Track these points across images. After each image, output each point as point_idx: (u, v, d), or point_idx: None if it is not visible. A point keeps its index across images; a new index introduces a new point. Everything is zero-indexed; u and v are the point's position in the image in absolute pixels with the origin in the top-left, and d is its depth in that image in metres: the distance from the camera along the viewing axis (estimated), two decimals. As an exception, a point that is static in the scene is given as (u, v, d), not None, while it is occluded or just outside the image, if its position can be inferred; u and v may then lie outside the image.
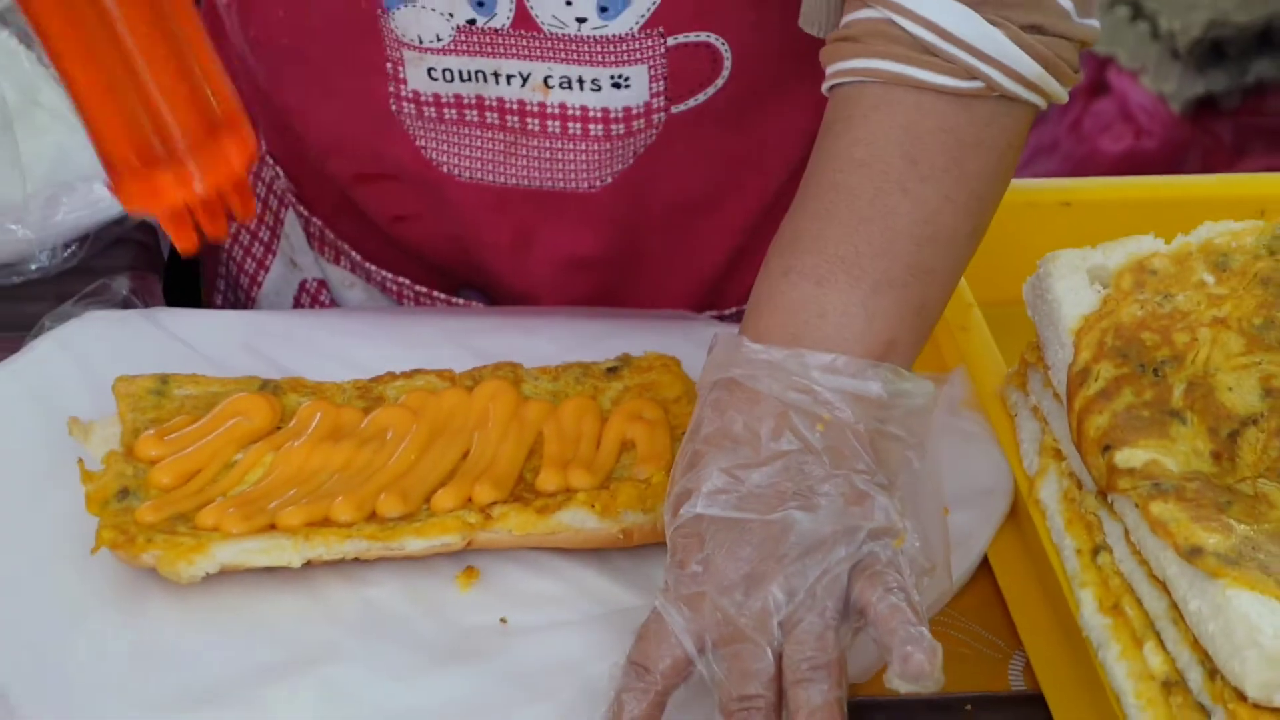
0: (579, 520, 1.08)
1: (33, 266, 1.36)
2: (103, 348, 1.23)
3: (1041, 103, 1.13)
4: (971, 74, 1.09)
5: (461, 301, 1.48)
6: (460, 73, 1.34)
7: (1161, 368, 1.03)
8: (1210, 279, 1.06)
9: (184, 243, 1.06)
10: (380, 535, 1.07)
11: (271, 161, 1.54)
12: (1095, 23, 1.17)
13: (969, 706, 1.04)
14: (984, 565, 1.14)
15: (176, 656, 1.03)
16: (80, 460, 1.10)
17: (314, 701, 1.01)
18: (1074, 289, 1.07)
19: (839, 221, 1.09)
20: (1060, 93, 1.14)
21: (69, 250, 1.37)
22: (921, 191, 1.09)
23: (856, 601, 0.98)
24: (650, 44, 1.30)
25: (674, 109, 1.34)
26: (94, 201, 1.38)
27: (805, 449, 1.02)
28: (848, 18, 1.15)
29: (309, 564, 1.07)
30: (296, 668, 1.02)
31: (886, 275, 1.07)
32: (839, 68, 1.12)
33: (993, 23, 1.08)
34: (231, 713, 1.01)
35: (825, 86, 1.15)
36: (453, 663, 1.03)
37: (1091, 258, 1.09)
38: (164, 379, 1.16)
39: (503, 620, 1.05)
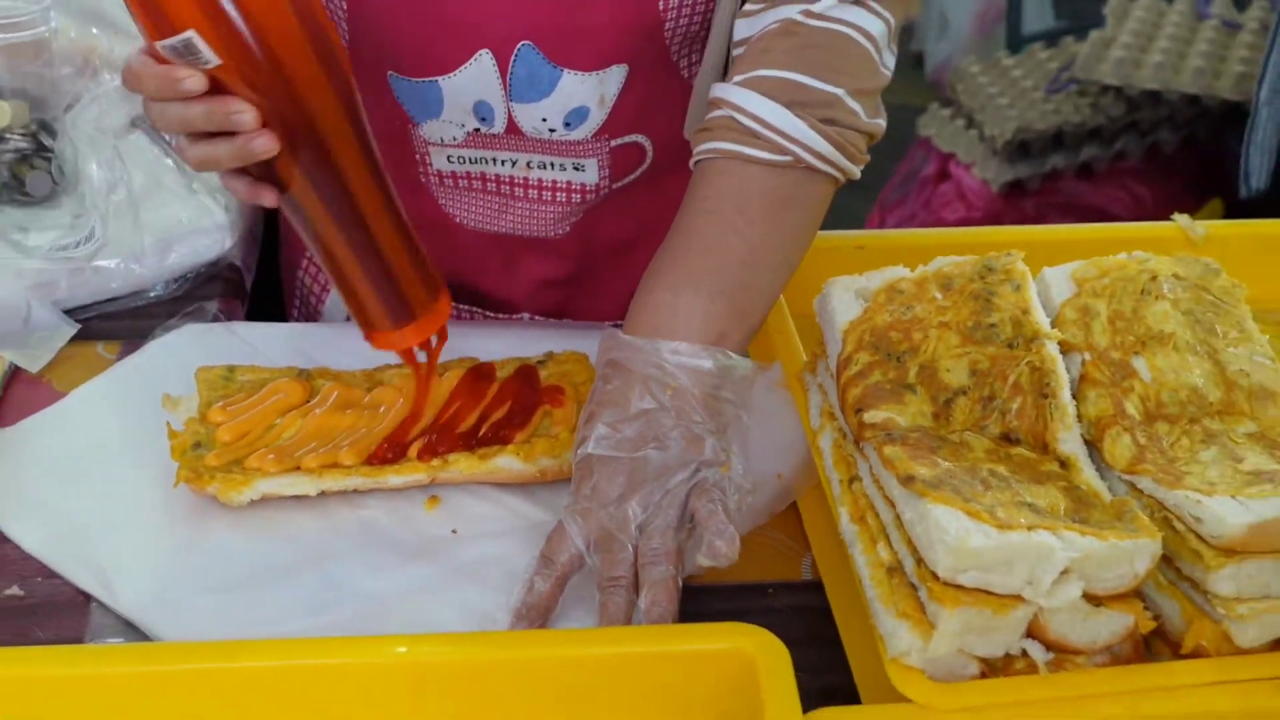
0: (509, 464, 1.08)
1: (151, 294, 1.33)
2: (193, 349, 1.22)
3: (837, 174, 1.12)
4: (784, 151, 1.08)
5: (458, 310, 1.42)
6: (469, 158, 1.31)
7: (902, 356, 0.99)
8: (939, 295, 1.02)
9: (414, 367, 1.09)
10: (372, 474, 1.07)
11: None
12: (881, 122, 1.16)
13: (770, 590, 1.03)
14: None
15: (228, 554, 1.03)
16: (168, 423, 1.09)
17: (319, 585, 1.01)
18: (845, 302, 1.03)
19: (690, 252, 1.08)
20: (852, 169, 1.13)
21: (176, 283, 1.34)
22: (747, 232, 1.08)
23: (690, 510, 0.98)
24: (598, 145, 1.28)
25: (614, 185, 1.32)
26: (196, 250, 1.35)
27: (660, 407, 1.02)
28: (706, 117, 1.13)
29: (322, 494, 1.07)
30: (310, 563, 1.02)
31: (720, 289, 1.06)
32: (699, 149, 1.12)
33: (799, 116, 1.08)
34: (264, 591, 1.00)
35: (691, 163, 1.14)
36: (419, 559, 1.03)
37: (859, 281, 1.05)
38: (230, 368, 1.15)
39: (454, 531, 1.05)
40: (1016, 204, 2.72)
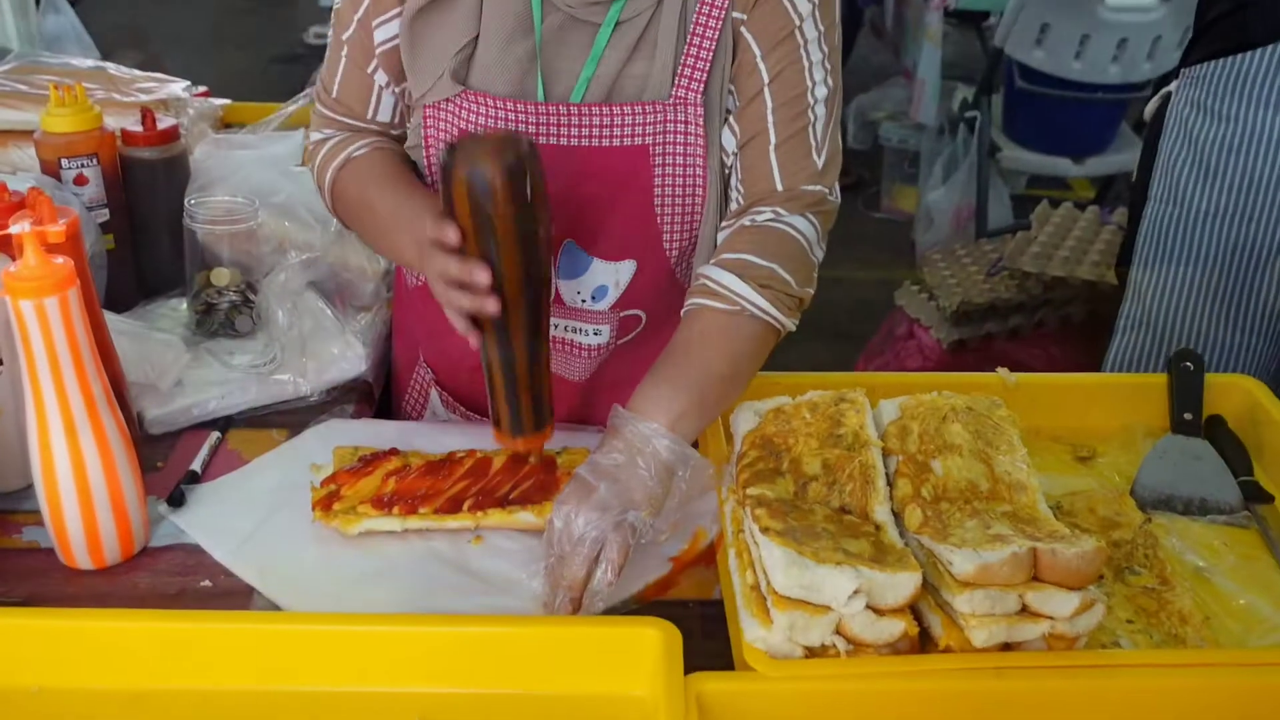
0: (528, 518, 1.21)
1: (310, 399, 1.44)
2: (335, 435, 1.35)
3: (773, 322, 1.21)
4: (735, 304, 1.20)
5: None
6: None
7: (780, 453, 1.14)
8: (808, 415, 1.17)
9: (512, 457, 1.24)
10: (438, 520, 1.20)
11: (426, 364, 1.53)
12: (810, 290, 1.26)
13: (690, 604, 1.14)
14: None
15: (343, 564, 1.16)
16: (311, 482, 1.24)
17: (394, 591, 1.13)
18: (747, 419, 1.19)
19: (670, 365, 1.18)
20: (784, 321, 1.23)
21: (326, 393, 1.45)
22: (706, 357, 1.19)
23: (602, 539, 1.08)
24: (611, 316, 1.36)
25: (618, 343, 1.39)
26: (341, 371, 1.46)
27: (629, 461, 1.11)
28: (692, 285, 1.25)
29: (405, 530, 1.20)
30: (392, 575, 1.16)
31: (687, 386, 1.16)
32: (685, 304, 1.23)
33: (745, 281, 1.20)
34: (364, 588, 1.13)
35: (682, 312, 1.24)
36: (463, 573, 1.16)
37: (756, 405, 1.20)
38: (356, 448, 1.28)
39: (479, 545, 1.19)
40: (960, 358, 2.76)
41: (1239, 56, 1.87)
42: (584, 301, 1.36)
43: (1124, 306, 2.00)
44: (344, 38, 1.32)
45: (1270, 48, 1.83)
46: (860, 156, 5.03)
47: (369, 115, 1.36)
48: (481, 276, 1.08)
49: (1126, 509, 1.25)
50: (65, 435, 1.13)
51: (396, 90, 1.35)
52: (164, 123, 1.63)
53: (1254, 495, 1.29)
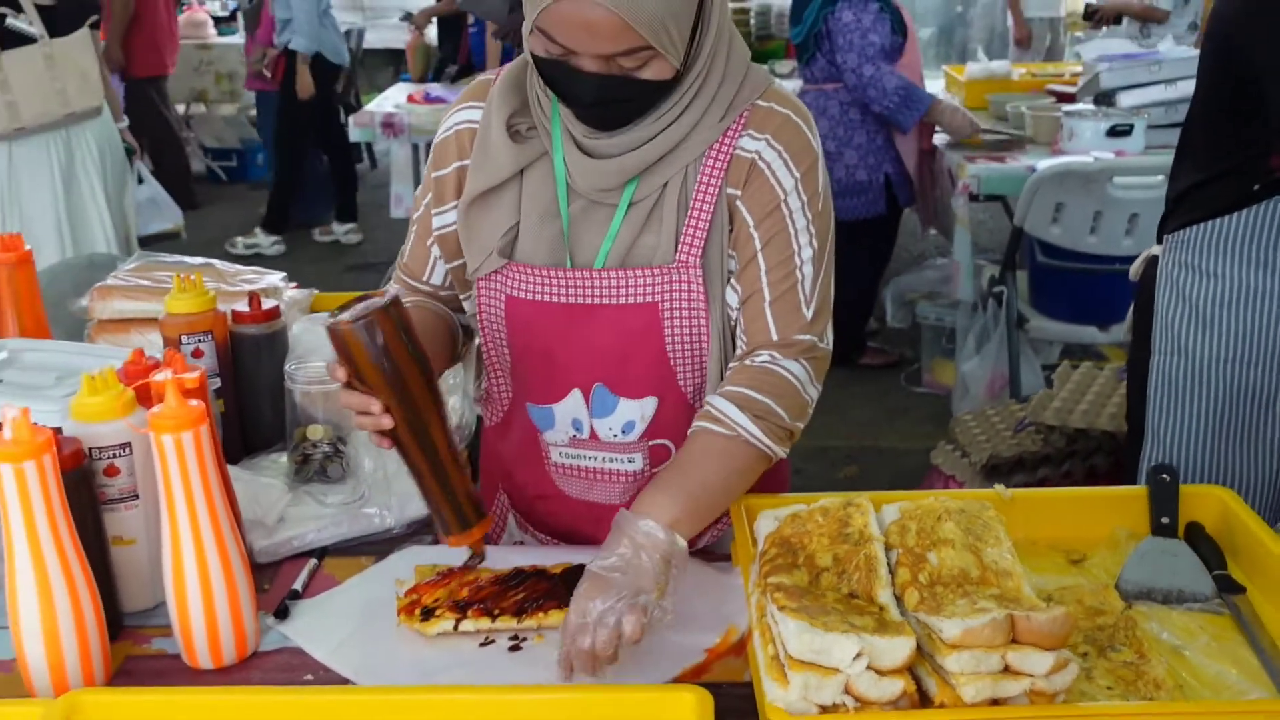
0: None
1: (394, 530, 1.61)
2: (416, 558, 1.50)
3: (765, 450, 1.39)
4: (732, 429, 1.38)
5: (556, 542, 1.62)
6: (571, 455, 1.55)
7: (795, 550, 1.29)
8: (820, 519, 1.32)
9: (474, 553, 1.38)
10: (506, 620, 1.36)
11: (503, 492, 1.69)
12: (801, 424, 1.43)
13: (721, 686, 1.23)
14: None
15: (425, 660, 1.31)
16: (396, 594, 1.40)
17: (467, 679, 1.27)
18: (767, 524, 1.34)
19: (671, 477, 1.35)
20: (776, 449, 1.40)
21: (407, 525, 1.62)
22: (706, 471, 1.36)
23: (621, 618, 1.22)
24: (641, 446, 1.51)
25: (652, 470, 1.51)
26: (420, 507, 1.58)
27: (634, 554, 1.26)
28: (700, 410, 1.41)
29: (478, 630, 1.35)
30: (467, 666, 1.30)
31: (684, 495, 1.32)
32: (691, 428, 1.41)
33: (743, 411, 1.38)
34: (442, 676, 1.27)
35: (689, 433, 1.41)
36: (530, 667, 1.30)
37: (775, 513, 1.36)
38: (434, 565, 1.43)
39: (540, 640, 1.32)
40: (992, 509, 2.90)
41: (1215, 221, 2.08)
42: (615, 435, 1.52)
43: (1145, 449, 2.16)
44: (414, 218, 1.61)
45: (1240, 213, 2.05)
46: (902, 335, 5.27)
47: (425, 278, 1.62)
48: (368, 405, 1.30)
49: (1110, 599, 1.39)
50: (195, 551, 1.33)
51: (446, 265, 1.60)
52: (267, 304, 1.89)
53: (1227, 586, 1.44)
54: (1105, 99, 4.46)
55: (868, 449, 4.26)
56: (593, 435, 1.53)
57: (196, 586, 1.34)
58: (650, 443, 1.53)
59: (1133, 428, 2.26)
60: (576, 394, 1.51)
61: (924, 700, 1.20)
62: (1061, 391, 2.99)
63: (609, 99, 1.36)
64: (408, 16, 8.41)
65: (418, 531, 1.65)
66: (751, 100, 1.45)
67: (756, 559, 1.36)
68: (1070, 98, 4.78)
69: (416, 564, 1.49)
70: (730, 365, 1.47)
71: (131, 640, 1.44)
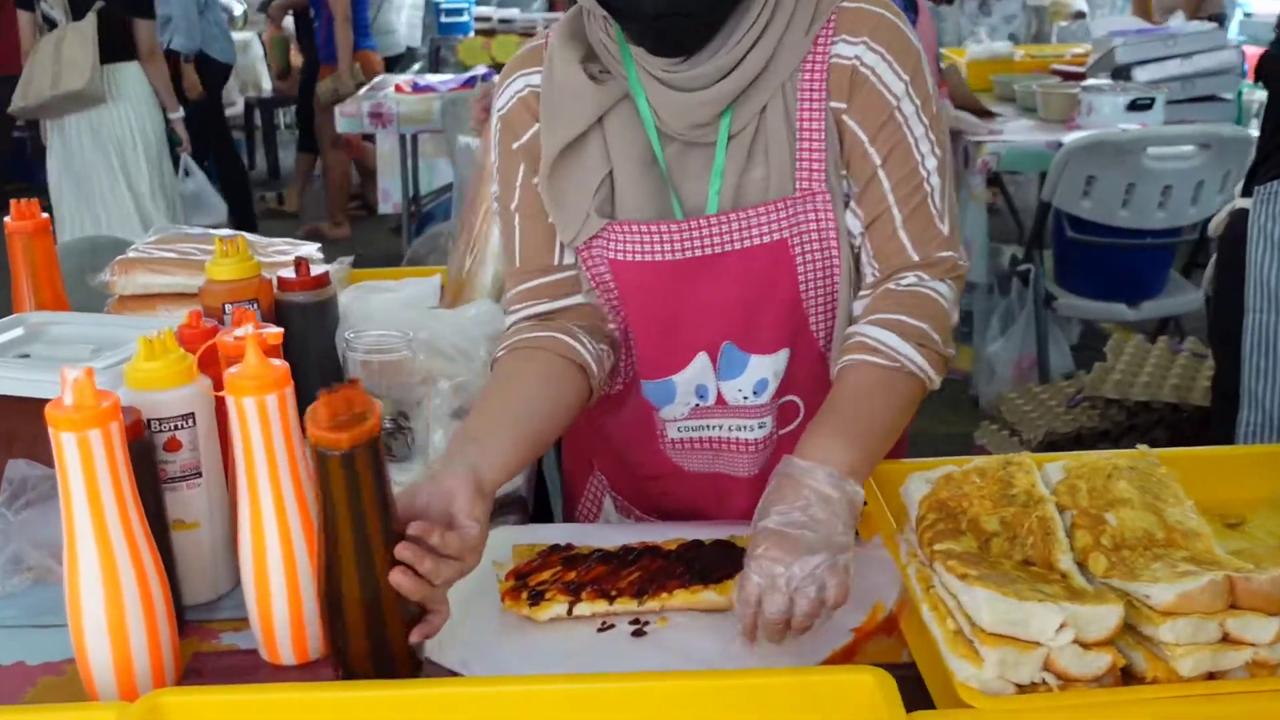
0: (713, 597, 1.24)
1: None
2: (508, 539, 1.37)
3: (925, 380, 1.29)
4: (896, 361, 1.27)
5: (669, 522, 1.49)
6: (691, 428, 1.45)
7: (956, 515, 1.19)
8: (978, 480, 1.22)
9: None
10: (625, 603, 1.24)
11: (600, 473, 1.61)
12: (953, 351, 1.33)
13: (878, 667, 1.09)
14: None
15: (539, 650, 1.20)
16: (497, 576, 1.29)
17: (579, 665, 1.16)
18: (919, 487, 1.23)
19: (839, 418, 1.23)
20: (935, 379, 1.30)
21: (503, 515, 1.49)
22: (871, 407, 1.25)
23: (823, 581, 1.11)
24: (770, 406, 1.42)
25: (779, 433, 1.44)
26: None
27: (821, 509, 1.13)
28: (845, 344, 1.30)
29: (593, 615, 1.24)
30: (589, 655, 1.19)
31: (857, 439, 1.20)
32: (841, 360, 1.30)
33: (904, 340, 1.28)
34: (554, 666, 1.16)
35: (835, 370, 1.30)
36: (659, 652, 1.19)
37: (927, 475, 1.25)
38: (533, 545, 1.33)
39: (663, 623, 1.23)
40: (1050, 488, 2.80)
41: None
42: (745, 399, 1.42)
43: (1242, 415, 2.05)
44: (512, 207, 1.43)
45: None
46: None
47: (556, 262, 1.43)
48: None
49: (1288, 563, 1.27)
50: (279, 532, 1.18)
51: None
52: (316, 269, 1.73)
53: None
54: (1121, 74, 4.37)
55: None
56: (719, 400, 1.43)
57: (280, 572, 1.19)
58: (780, 401, 1.44)
59: (1223, 393, 2.15)
60: (702, 358, 1.40)
61: (1126, 678, 1.07)
62: (1118, 365, 2.89)
63: (673, 10, 1.23)
64: (264, 8, 8.14)
65: (497, 513, 1.49)
66: (836, 3, 1.33)
67: (911, 526, 1.23)
68: (1077, 76, 4.70)
69: (514, 544, 1.37)
70: (862, 294, 1.37)
71: (198, 636, 1.30)
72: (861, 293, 1.37)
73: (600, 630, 1.24)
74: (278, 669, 1.23)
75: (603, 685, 1.05)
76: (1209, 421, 2.59)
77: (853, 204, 1.36)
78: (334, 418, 1.06)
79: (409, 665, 1.15)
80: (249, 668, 1.24)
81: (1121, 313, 3.83)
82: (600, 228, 1.36)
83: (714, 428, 1.45)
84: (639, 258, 1.36)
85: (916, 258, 1.34)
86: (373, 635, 1.12)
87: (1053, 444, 2.84)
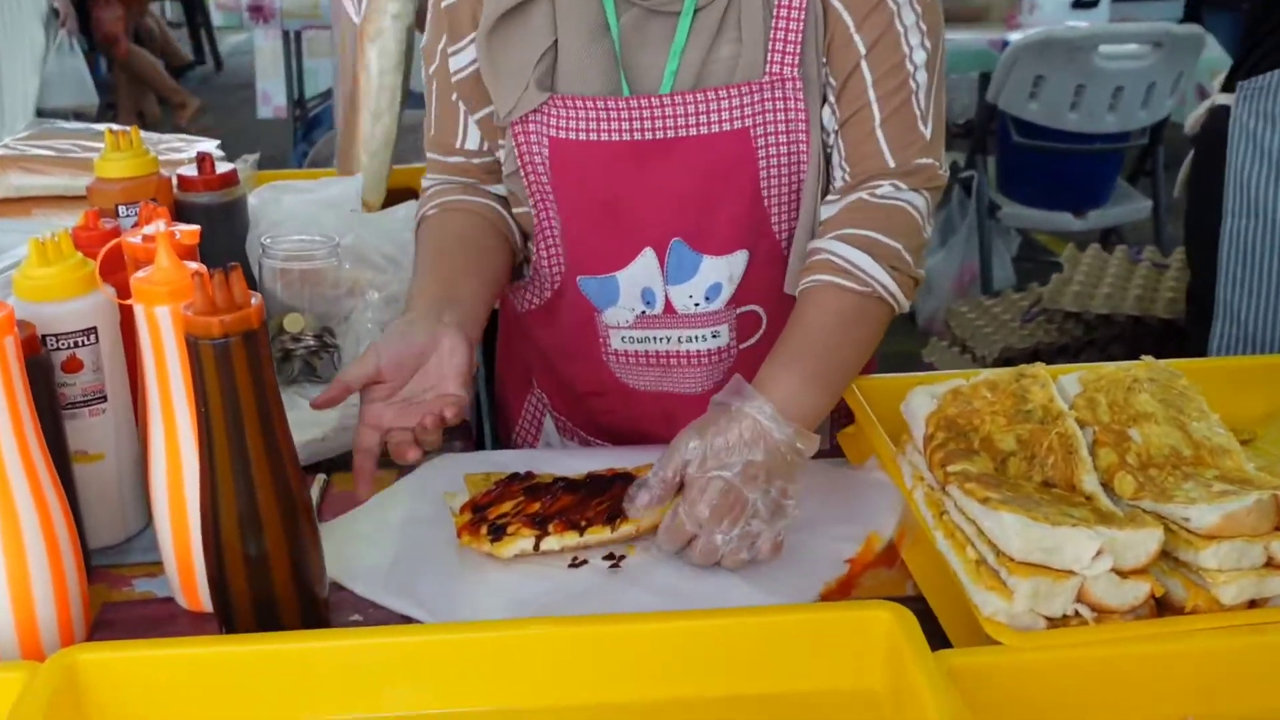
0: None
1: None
2: (454, 468, 1.31)
3: (895, 305, 1.27)
4: (867, 285, 1.24)
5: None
6: (637, 338, 1.39)
7: (967, 434, 1.14)
8: (989, 394, 1.17)
9: None
10: (598, 532, 1.17)
11: (539, 390, 1.55)
12: (923, 271, 1.31)
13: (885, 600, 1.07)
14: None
15: (509, 589, 1.12)
16: (451, 509, 1.22)
17: (566, 606, 1.09)
18: (924, 402, 1.18)
19: (796, 348, 1.21)
20: (905, 304, 1.28)
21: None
22: (835, 338, 1.23)
23: (753, 515, 1.11)
24: (728, 314, 1.36)
25: (740, 346, 1.39)
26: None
27: (762, 449, 1.11)
28: (808, 262, 1.27)
29: (563, 549, 1.17)
30: (568, 594, 1.12)
31: (813, 374, 1.19)
32: (804, 281, 1.26)
33: (877, 263, 1.24)
34: (524, 609, 1.09)
35: (797, 289, 1.27)
36: (646, 592, 1.12)
37: (931, 389, 1.20)
38: (488, 475, 1.25)
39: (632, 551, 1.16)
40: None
41: None
42: (697, 305, 1.36)
43: (1216, 326, 2.03)
44: (431, 72, 1.40)
45: None
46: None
47: (458, 144, 1.41)
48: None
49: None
50: (199, 460, 1.07)
51: (475, 117, 1.39)
52: (222, 167, 1.60)
53: None
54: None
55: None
56: (667, 308, 1.37)
57: (199, 508, 1.08)
58: (738, 310, 1.38)
59: (1196, 303, 2.13)
60: (648, 255, 1.34)
61: (1160, 609, 1.03)
62: (1075, 275, 2.86)
63: None
64: None
65: (450, 437, 1.40)
66: None
67: (917, 445, 1.18)
68: (1020, -28, 4.63)
69: (464, 473, 1.29)
70: (829, 200, 1.32)
71: (106, 583, 1.19)
72: (829, 198, 1.31)
73: (572, 566, 1.18)
74: (198, 616, 1.13)
75: (593, 628, 0.97)
76: (1171, 335, 2.60)
77: (830, 97, 1.30)
78: (209, 302, 0.97)
79: (301, 608, 1.05)
80: (166, 617, 1.14)
81: (1067, 222, 3.85)
82: (540, 102, 1.29)
83: (662, 339, 1.39)
84: (581, 136, 1.29)
85: (893, 164, 1.29)
86: (252, 568, 1.03)
87: (1008, 360, 2.79)
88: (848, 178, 1.31)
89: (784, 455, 1.13)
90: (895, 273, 1.25)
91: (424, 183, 1.44)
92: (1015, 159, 3.87)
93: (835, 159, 1.31)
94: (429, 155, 1.44)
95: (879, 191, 1.28)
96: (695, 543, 1.13)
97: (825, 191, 1.33)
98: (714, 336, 1.39)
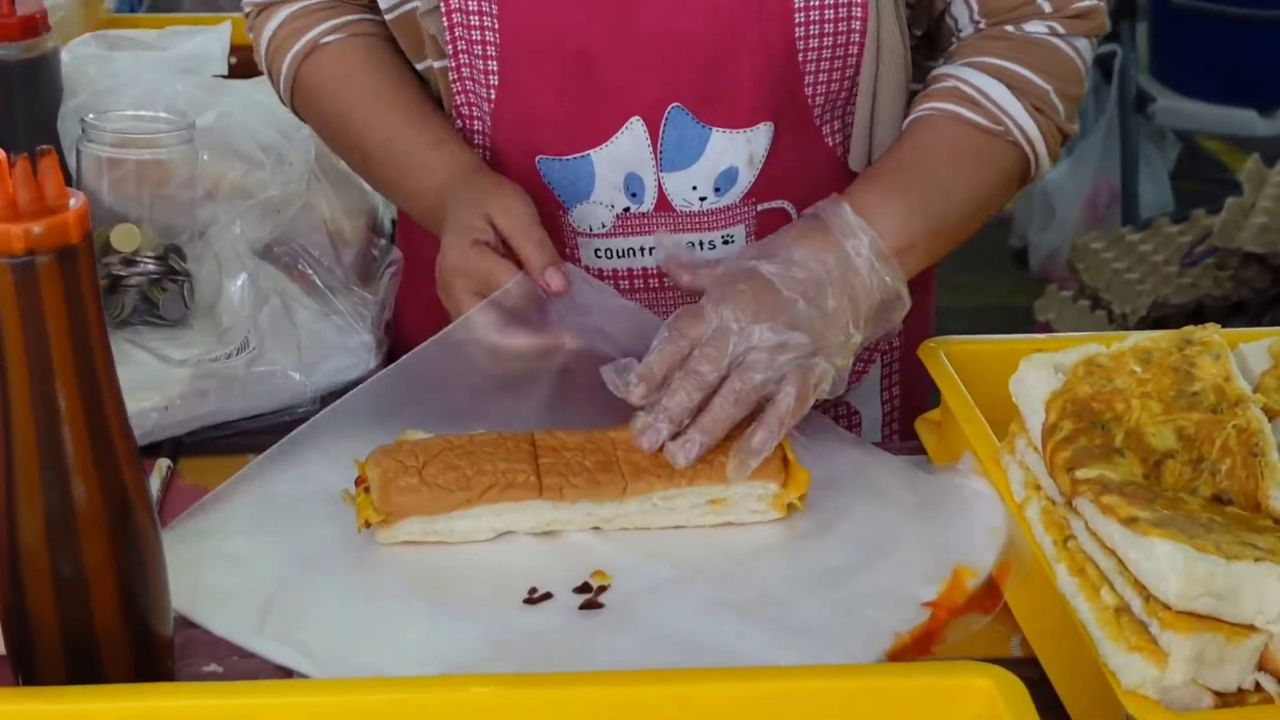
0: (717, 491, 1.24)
1: (299, 410, 1.45)
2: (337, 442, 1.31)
3: (1032, 159, 1.37)
4: (999, 122, 1.34)
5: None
6: (618, 250, 1.44)
7: (1107, 424, 1.15)
8: (1138, 369, 1.18)
9: None
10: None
11: None
12: (1075, 127, 1.43)
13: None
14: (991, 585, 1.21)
15: (410, 622, 1.15)
16: (345, 490, 1.26)
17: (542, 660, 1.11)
18: (1043, 378, 1.19)
19: (905, 175, 1.33)
20: (1045, 161, 1.39)
21: (321, 399, 1.46)
22: (954, 177, 1.34)
23: (778, 379, 1.19)
24: (746, 211, 1.42)
25: None
26: (340, 368, 1.51)
27: (836, 285, 1.22)
28: (929, 89, 1.39)
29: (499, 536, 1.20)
30: (535, 646, 1.13)
31: (922, 211, 1.30)
32: (919, 108, 1.37)
33: (1017, 98, 1.34)
34: (427, 646, 1.10)
35: (907, 121, 1.38)
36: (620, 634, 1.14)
37: (1054, 358, 1.21)
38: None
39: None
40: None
41: None
42: (703, 199, 1.41)
43: None
44: None
45: None
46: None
47: None
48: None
49: None
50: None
51: None
52: (24, 7, 1.63)
53: None
54: None
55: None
56: (661, 203, 1.41)
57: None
58: (761, 206, 1.43)
59: None
60: (636, 127, 1.38)
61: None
62: (1262, 202, 2.88)
63: None
64: None
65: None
66: None
67: (1033, 440, 1.20)
68: None
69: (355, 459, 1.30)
70: (961, 39, 1.43)
71: None
72: (959, 39, 1.42)
73: (529, 601, 1.20)
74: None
75: (559, 691, 0.98)
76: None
77: None
78: (8, 202, 0.94)
79: (134, 652, 1.05)
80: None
81: (1249, 123, 3.86)
82: None
83: (651, 251, 1.43)
84: None
85: (1049, 8, 1.37)
86: (64, 593, 1.02)
87: (1161, 321, 2.81)
88: (974, 26, 1.41)
89: (870, 299, 1.25)
90: (1039, 115, 1.35)
91: (263, 18, 1.48)
92: (1176, 29, 3.89)
93: (956, 4, 1.41)
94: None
95: (1028, 27, 1.37)
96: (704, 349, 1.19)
97: (919, 70, 1.41)
98: (725, 242, 1.43)
